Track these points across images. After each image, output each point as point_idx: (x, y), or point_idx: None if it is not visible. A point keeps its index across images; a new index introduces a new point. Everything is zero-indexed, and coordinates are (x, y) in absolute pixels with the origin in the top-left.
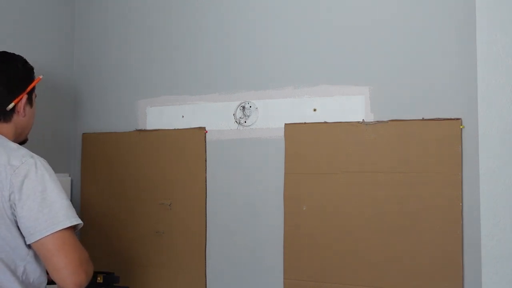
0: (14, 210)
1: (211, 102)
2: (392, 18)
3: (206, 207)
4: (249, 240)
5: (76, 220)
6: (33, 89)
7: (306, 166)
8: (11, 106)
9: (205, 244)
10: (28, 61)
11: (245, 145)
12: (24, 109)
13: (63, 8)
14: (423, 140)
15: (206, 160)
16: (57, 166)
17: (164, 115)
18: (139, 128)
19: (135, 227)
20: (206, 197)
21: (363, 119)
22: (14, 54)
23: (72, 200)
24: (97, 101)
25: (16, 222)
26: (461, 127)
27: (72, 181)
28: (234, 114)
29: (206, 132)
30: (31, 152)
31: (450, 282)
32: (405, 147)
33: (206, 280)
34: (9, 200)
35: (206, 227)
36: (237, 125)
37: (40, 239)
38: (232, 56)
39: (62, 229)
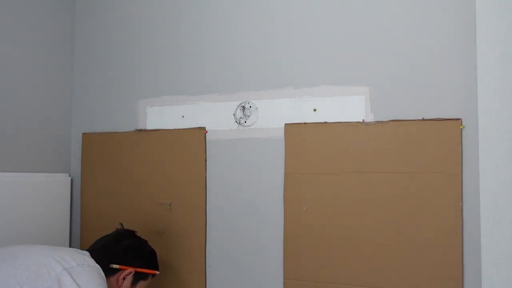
0: None
1: (211, 102)
2: (392, 18)
3: (206, 207)
4: (249, 240)
5: None
6: (143, 276)
7: (306, 166)
8: (115, 266)
9: (205, 244)
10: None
11: (245, 145)
12: (123, 279)
13: (63, 8)
14: (423, 140)
15: (206, 160)
16: (57, 166)
17: (164, 115)
18: (139, 128)
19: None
20: (206, 197)
21: (363, 119)
22: (148, 243)
23: (72, 200)
24: (97, 101)
25: None
26: (461, 127)
27: (72, 181)
28: (234, 114)
29: (206, 132)
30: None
31: (450, 282)
32: (405, 147)
33: (206, 280)
34: None
35: (206, 227)
36: (237, 125)
37: None
38: (232, 56)
39: None
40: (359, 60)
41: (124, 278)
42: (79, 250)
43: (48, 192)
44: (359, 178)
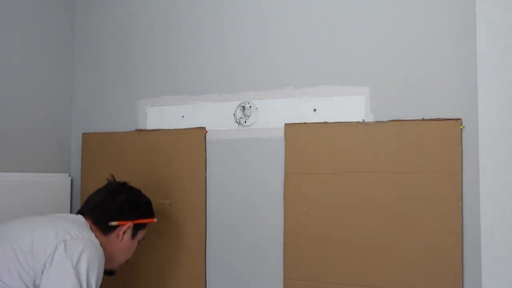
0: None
1: (211, 102)
2: (392, 18)
3: (206, 207)
4: (249, 240)
5: None
6: (142, 226)
7: (306, 166)
8: (114, 223)
9: (205, 244)
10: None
11: (245, 145)
12: (123, 233)
13: (63, 8)
14: (423, 140)
15: (206, 160)
16: (57, 166)
17: (164, 115)
18: (139, 128)
19: None
20: (206, 197)
21: (363, 119)
22: (142, 193)
23: (72, 200)
24: (97, 101)
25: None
26: (461, 127)
27: (72, 181)
28: (234, 114)
29: (206, 132)
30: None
31: (450, 282)
32: (405, 147)
33: (206, 280)
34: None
35: (206, 227)
36: (237, 125)
37: None
38: (232, 56)
39: None
40: (359, 60)
41: (124, 232)
42: (74, 216)
43: (48, 192)
44: (359, 178)
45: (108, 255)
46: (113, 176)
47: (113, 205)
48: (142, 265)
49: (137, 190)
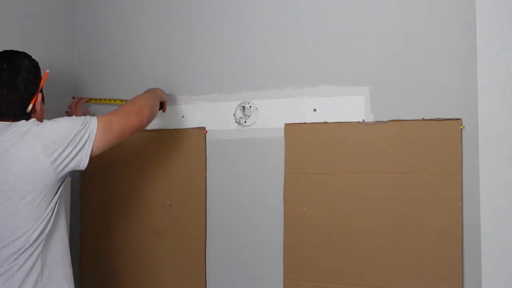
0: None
1: (211, 102)
2: (392, 18)
3: (206, 207)
4: (249, 240)
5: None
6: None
7: (306, 166)
8: (30, 107)
9: (205, 244)
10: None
11: (245, 145)
12: (40, 106)
13: (63, 8)
14: (423, 140)
15: (206, 160)
16: None
17: (164, 115)
18: None
19: (135, 227)
20: (206, 197)
21: (363, 119)
22: (18, 52)
23: (72, 200)
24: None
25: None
26: (461, 127)
27: (72, 181)
28: (234, 114)
29: (206, 132)
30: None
31: (450, 282)
32: (405, 147)
33: (206, 280)
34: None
35: (206, 227)
36: (237, 125)
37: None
38: (232, 56)
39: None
40: (359, 60)
41: (40, 106)
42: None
43: None
44: (359, 178)
45: None
46: None
47: (18, 92)
48: (142, 265)
49: (19, 60)
